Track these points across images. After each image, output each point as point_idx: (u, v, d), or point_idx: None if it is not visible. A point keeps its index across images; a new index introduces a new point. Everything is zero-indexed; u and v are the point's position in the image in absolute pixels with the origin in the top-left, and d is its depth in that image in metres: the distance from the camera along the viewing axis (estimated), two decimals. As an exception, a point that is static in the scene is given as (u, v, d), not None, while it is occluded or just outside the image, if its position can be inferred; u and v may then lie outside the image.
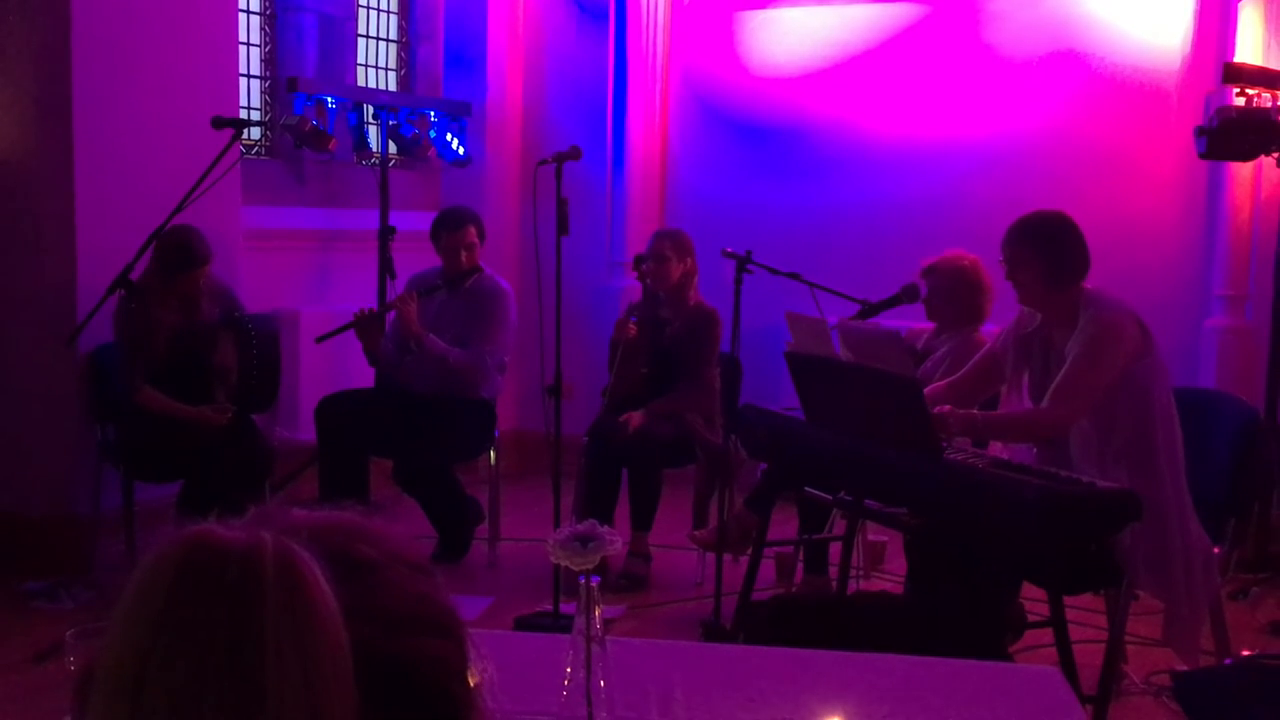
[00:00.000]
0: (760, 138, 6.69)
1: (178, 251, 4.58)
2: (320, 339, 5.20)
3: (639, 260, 5.21)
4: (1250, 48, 5.64)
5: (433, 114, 6.41)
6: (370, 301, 5.83)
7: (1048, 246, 3.52)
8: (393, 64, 7.09)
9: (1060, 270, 3.51)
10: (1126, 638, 3.68)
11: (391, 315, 5.34)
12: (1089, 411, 3.39)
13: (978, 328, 4.45)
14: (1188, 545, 3.38)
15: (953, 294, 4.43)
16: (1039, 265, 3.50)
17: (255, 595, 0.67)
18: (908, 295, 4.52)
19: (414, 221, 6.27)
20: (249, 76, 6.22)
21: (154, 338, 4.59)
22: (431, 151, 6.39)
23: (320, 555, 0.72)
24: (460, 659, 0.80)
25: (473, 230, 5.21)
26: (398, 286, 5.75)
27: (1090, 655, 3.54)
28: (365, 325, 5.13)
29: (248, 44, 6.16)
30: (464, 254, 5.18)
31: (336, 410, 5.15)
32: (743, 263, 4.51)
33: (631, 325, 5.07)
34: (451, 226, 5.21)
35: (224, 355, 4.72)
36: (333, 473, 5.11)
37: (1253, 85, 5.17)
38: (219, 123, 4.69)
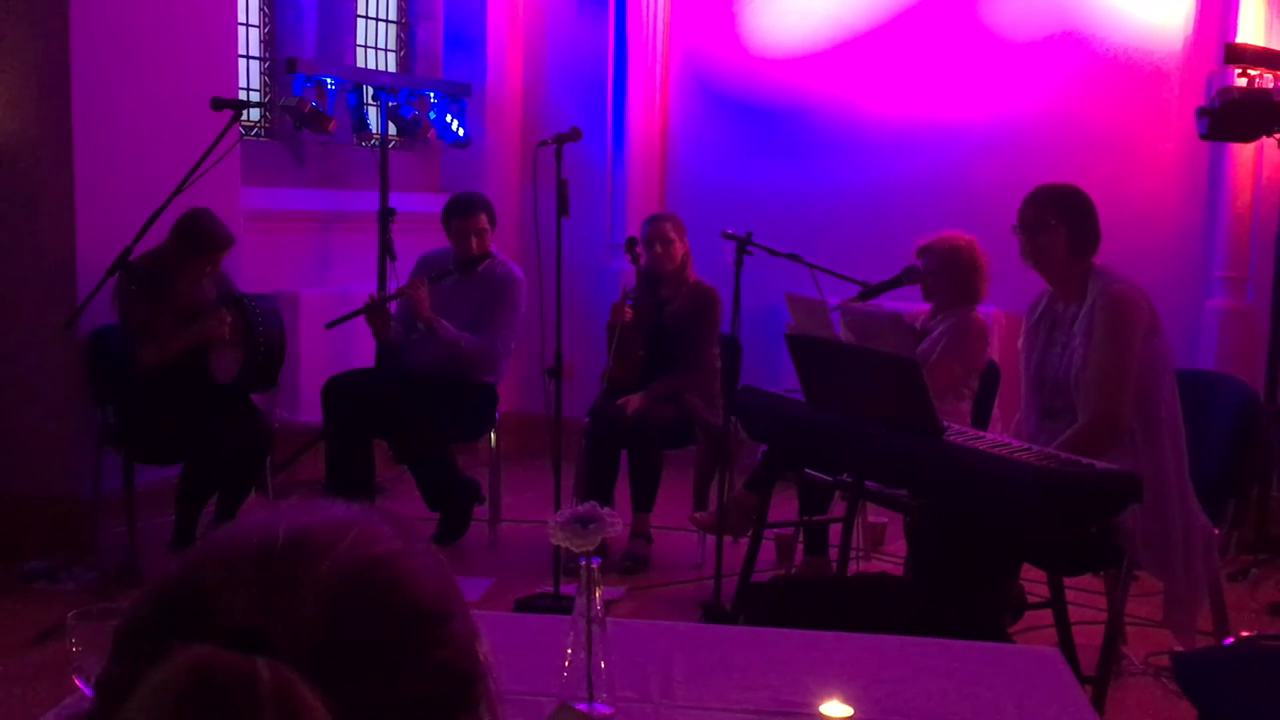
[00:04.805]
0: (761, 119, 6.68)
1: (205, 234, 4.60)
2: (331, 324, 5.17)
3: (632, 243, 5.20)
4: (1252, 28, 5.63)
5: (432, 95, 6.39)
6: (370, 283, 5.83)
7: (1072, 214, 3.56)
8: (392, 45, 7.07)
9: (1083, 239, 3.53)
10: (1126, 619, 3.69)
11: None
12: (1131, 396, 3.37)
13: (974, 307, 4.45)
14: (1188, 527, 3.38)
15: (948, 274, 4.42)
16: (1063, 230, 3.53)
17: None
18: (908, 277, 4.52)
19: (414, 203, 6.26)
20: (248, 57, 6.20)
21: (162, 315, 4.59)
22: (431, 133, 6.38)
23: (319, 649, 0.71)
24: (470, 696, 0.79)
25: (484, 217, 5.18)
26: (399, 268, 5.74)
27: (1090, 636, 3.55)
28: (376, 311, 5.10)
29: (246, 25, 6.14)
30: (474, 240, 5.15)
31: (342, 391, 5.13)
32: (743, 244, 4.51)
33: (627, 309, 5.07)
34: (463, 213, 5.18)
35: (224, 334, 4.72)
36: (339, 455, 5.11)
37: (1254, 66, 5.16)
38: (218, 104, 4.68)
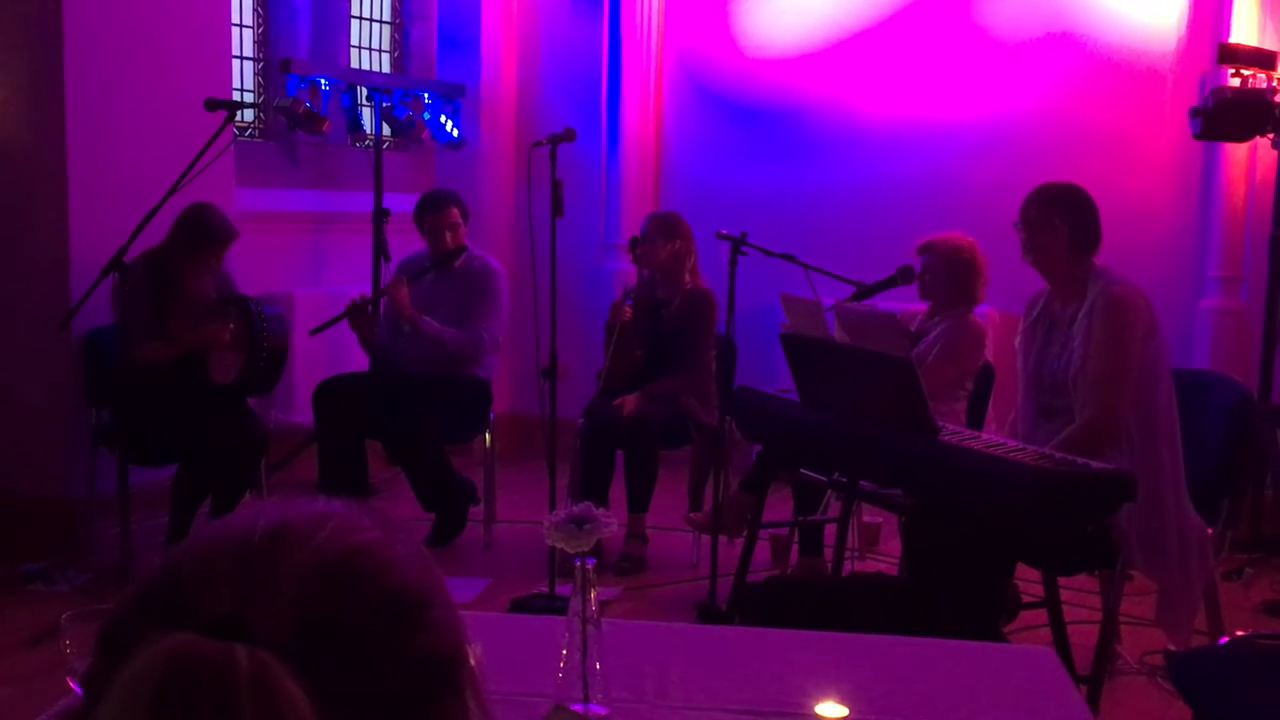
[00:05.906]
0: (755, 119, 6.68)
1: (211, 225, 4.63)
2: (314, 331, 5.19)
3: (634, 243, 5.20)
4: (1245, 28, 5.63)
5: (426, 96, 6.39)
6: (364, 284, 5.83)
7: (1076, 213, 3.56)
8: (386, 45, 7.07)
9: (1085, 239, 3.54)
10: (1120, 618, 3.69)
11: (384, 300, 5.33)
12: (1129, 397, 3.37)
13: (971, 309, 4.45)
14: (1183, 527, 3.39)
15: (948, 272, 4.42)
16: (1065, 230, 3.53)
17: None
18: (903, 277, 4.52)
19: (408, 204, 6.23)
20: (242, 58, 6.19)
21: (167, 311, 4.59)
22: (425, 133, 6.38)
23: (298, 637, 0.72)
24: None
25: (455, 210, 5.23)
26: (392, 269, 5.74)
27: (1084, 636, 3.55)
28: (358, 314, 5.12)
29: (240, 25, 6.13)
30: (448, 234, 5.21)
31: (335, 393, 5.15)
32: (737, 244, 4.50)
33: (627, 308, 5.06)
34: (433, 208, 5.24)
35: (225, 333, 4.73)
36: (332, 456, 5.11)
37: (1248, 66, 5.16)
38: (212, 105, 4.67)
